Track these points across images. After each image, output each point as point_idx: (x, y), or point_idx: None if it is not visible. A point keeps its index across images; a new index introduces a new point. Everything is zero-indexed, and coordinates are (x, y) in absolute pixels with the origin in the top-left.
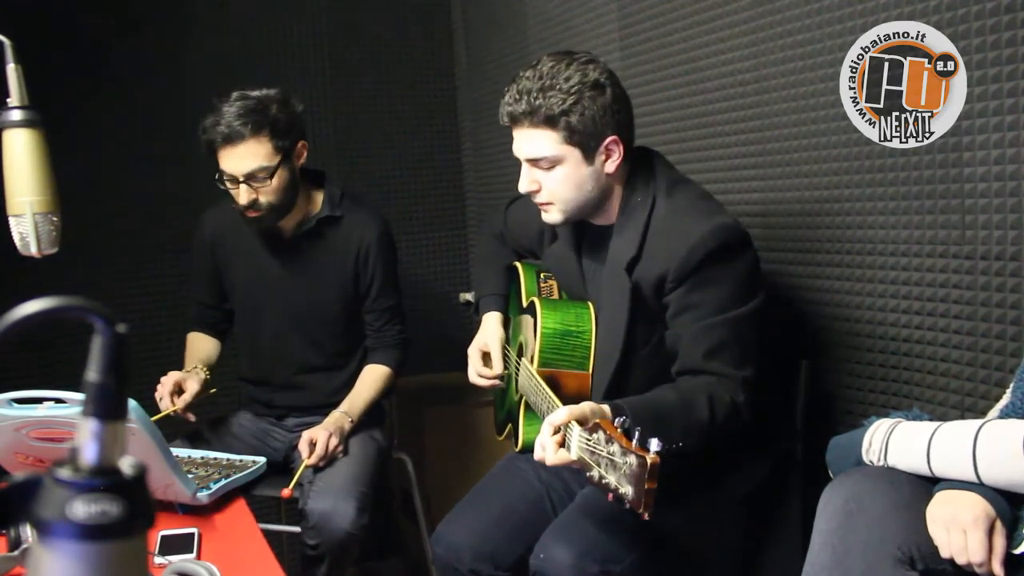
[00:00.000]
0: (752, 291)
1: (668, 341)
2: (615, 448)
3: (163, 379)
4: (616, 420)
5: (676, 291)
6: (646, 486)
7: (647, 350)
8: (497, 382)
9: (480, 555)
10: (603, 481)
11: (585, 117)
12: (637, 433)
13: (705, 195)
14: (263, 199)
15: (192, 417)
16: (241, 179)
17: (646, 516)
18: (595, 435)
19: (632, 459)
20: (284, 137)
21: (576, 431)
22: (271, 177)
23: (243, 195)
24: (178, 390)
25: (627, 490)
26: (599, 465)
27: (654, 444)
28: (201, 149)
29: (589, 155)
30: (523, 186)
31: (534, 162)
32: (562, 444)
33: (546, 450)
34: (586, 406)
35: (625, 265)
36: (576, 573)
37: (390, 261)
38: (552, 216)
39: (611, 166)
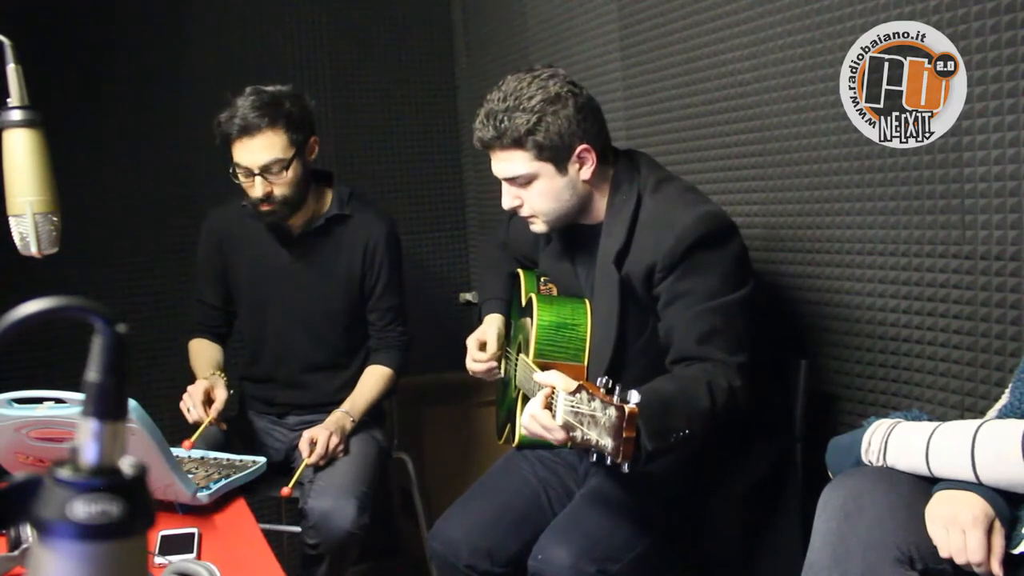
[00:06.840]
0: (742, 278)
1: (661, 332)
2: (596, 404)
3: (191, 389)
4: (599, 381)
5: (665, 280)
6: (624, 435)
7: (640, 342)
8: (492, 363)
9: (477, 551)
10: (584, 438)
11: (551, 132)
12: (618, 388)
13: (691, 188)
14: (277, 192)
15: (224, 425)
16: (256, 171)
17: (624, 468)
18: (578, 395)
19: (612, 411)
20: (298, 131)
21: (562, 396)
22: (286, 169)
23: (258, 188)
24: (206, 399)
25: (607, 442)
26: (582, 424)
27: (634, 396)
28: (216, 142)
29: (561, 167)
30: (506, 203)
31: (511, 180)
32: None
33: (536, 417)
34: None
35: (613, 259)
36: (574, 573)
37: (396, 261)
38: (538, 227)
39: (586, 173)
